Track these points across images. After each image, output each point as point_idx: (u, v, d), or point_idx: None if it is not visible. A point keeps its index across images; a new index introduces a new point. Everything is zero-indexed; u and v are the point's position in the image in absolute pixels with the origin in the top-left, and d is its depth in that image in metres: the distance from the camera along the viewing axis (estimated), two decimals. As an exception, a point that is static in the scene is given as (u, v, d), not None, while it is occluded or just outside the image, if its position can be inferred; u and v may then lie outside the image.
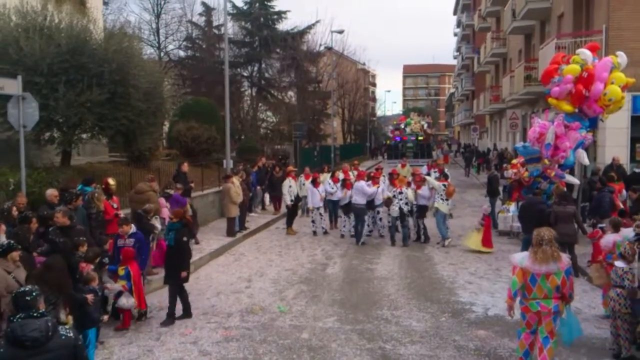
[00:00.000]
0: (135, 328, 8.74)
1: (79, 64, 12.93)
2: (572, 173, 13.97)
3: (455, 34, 72.91)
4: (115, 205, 11.08)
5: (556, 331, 6.71)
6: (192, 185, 15.18)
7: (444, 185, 14.84)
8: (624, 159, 17.08)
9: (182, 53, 40.32)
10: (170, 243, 9.19)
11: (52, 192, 9.93)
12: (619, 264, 7.31)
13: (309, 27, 41.17)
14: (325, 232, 16.55)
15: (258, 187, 19.85)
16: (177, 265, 9.01)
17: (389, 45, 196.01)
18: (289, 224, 17.04)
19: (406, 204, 14.57)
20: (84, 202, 10.04)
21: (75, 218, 8.95)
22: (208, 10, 41.04)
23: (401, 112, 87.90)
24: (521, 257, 6.81)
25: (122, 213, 11.07)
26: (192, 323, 8.93)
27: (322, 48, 43.35)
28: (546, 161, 13.07)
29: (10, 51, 12.49)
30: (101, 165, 16.73)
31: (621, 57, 12.99)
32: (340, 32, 40.48)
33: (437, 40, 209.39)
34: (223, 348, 7.91)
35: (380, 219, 16.00)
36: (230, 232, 15.54)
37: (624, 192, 13.86)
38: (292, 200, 17.08)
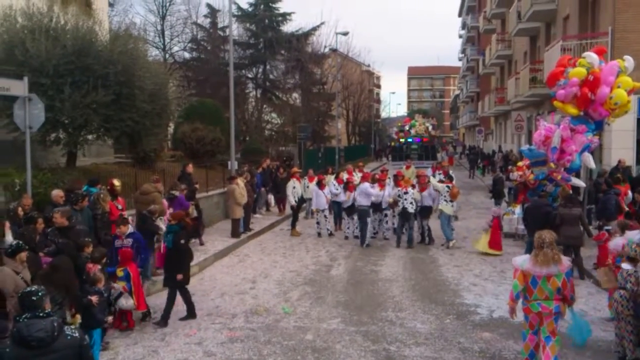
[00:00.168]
0: (140, 329, 8.76)
1: (85, 66, 12.97)
2: (577, 176, 13.92)
3: (460, 36, 72.96)
4: (120, 207, 11.12)
5: (566, 334, 6.71)
6: (197, 186, 15.20)
7: (448, 187, 14.83)
8: (630, 161, 17.04)
9: (187, 55, 40.43)
10: (169, 245, 9.21)
11: (57, 193, 9.95)
12: (625, 266, 7.30)
13: (314, 29, 41.20)
14: (331, 234, 16.54)
15: (262, 189, 19.88)
16: (175, 268, 9.00)
17: (393, 47, 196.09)
18: (294, 225, 17.05)
19: (411, 203, 14.54)
20: (89, 203, 10.08)
21: (74, 218, 8.95)
22: (213, 12, 41.14)
23: (406, 114, 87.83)
24: (522, 260, 6.88)
25: (126, 214, 11.09)
26: (197, 324, 8.95)
27: (326, 50, 43.36)
28: (552, 165, 13.03)
29: (16, 52, 12.55)
30: (106, 166, 16.77)
31: (628, 61, 12.93)
32: (345, 33, 40.57)
33: (442, 42, 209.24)
34: (227, 349, 7.92)
35: (387, 222, 15.98)
36: (235, 233, 15.56)
37: (630, 194, 13.82)
38: (296, 201, 17.09)
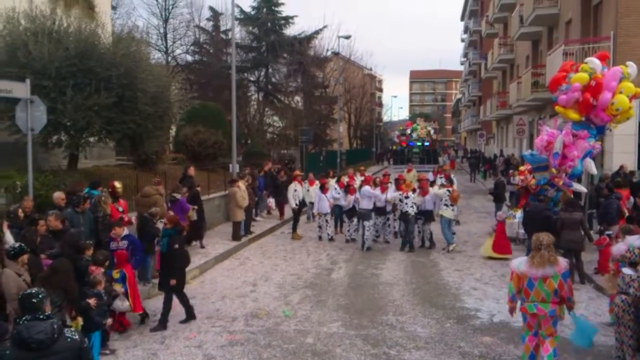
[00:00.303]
0: (140, 331, 8.76)
1: (87, 68, 13.01)
2: (579, 181, 13.90)
3: (463, 40, 72.89)
4: (121, 209, 11.12)
5: (570, 341, 6.70)
6: (199, 189, 15.21)
7: (448, 190, 14.82)
8: (631, 166, 17.00)
9: (189, 57, 40.47)
10: (163, 249, 9.11)
11: (59, 195, 9.97)
12: (626, 271, 7.28)
13: (316, 33, 41.26)
14: (331, 239, 16.50)
15: (264, 192, 19.87)
16: (170, 272, 8.91)
17: (395, 51, 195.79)
18: (295, 228, 17.04)
19: (411, 207, 14.53)
20: (91, 205, 10.09)
21: (67, 221, 8.93)
22: (216, 15, 41.20)
23: (407, 118, 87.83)
24: (518, 262, 6.92)
25: (127, 216, 11.10)
26: (197, 327, 8.94)
27: (329, 53, 43.40)
28: (554, 170, 13.01)
29: (19, 55, 12.60)
30: (108, 168, 16.81)
31: (631, 67, 12.92)
32: (347, 37, 40.71)
33: (444, 46, 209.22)
34: (227, 352, 7.91)
35: (389, 225, 15.98)
36: (236, 236, 15.55)
37: (631, 198, 13.78)
38: (297, 205, 17.09)
